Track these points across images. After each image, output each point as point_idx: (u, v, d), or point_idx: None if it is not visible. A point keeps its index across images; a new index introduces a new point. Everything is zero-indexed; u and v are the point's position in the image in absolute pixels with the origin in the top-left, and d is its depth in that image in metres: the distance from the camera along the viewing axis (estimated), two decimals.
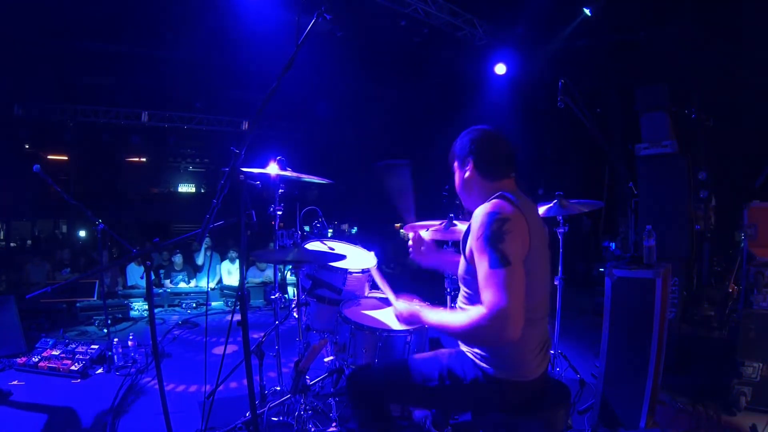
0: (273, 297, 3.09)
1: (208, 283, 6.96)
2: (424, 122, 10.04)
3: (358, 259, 2.88)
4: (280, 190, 3.00)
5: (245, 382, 1.74)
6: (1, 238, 12.40)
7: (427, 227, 2.94)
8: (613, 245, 7.64)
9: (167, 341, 4.93)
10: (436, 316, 1.71)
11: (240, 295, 1.78)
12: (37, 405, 3.26)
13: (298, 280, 2.82)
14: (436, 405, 2.08)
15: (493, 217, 1.54)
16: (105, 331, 4.70)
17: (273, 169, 2.85)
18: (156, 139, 12.15)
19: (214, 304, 6.64)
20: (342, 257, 2.55)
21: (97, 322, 5.39)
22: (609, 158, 6.42)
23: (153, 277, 2.11)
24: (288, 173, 2.89)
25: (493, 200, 1.63)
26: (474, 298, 1.62)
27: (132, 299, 6.20)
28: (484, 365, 1.67)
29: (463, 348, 1.76)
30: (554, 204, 3.14)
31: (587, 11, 6.21)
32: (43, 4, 6.43)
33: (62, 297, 5.54)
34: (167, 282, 6.98)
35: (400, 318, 1.87)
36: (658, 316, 2.66)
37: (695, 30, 5.46)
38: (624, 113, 6.60)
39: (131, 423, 3.02)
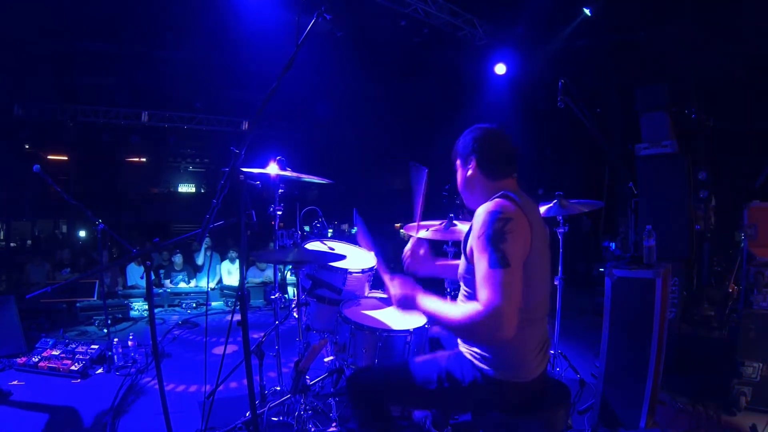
0: (273, 297, 3.09)
1: (208, 283, 6.95)
2: (424, 122, 10.04)
3: (358, 259, 2.88)
4: (280, 190, 3.00)
5: (245, 382, 1.74)
6: (1, 238, 12.38)
7: (427, 227, 2.95)
8: (613, 245, 7.63)
9: (167, 341, 4.93)
10: (432, 304, 1.65)
11: (240, 295, 1.78)
12: (37, 405, 3.25)
13: (298, 280, 2.82)
14: (436, 406, 2.08)
15: (495, 216, 1.54)
16: (105, 331, 4.70)
17: (273, 169, 2.85)
18: (156, 139, 12.12)
19: (214, 304, 6.63)
20: (342, 257, 2.55)
21: (97, 322, 5.39)
22: (609, 158, 6.41)
23: (153, 277, 2.11)
24: (288, 173, 2.89)
25: (496, 199, 1.62)
26: (474, 297, 1.62)
27: (132, 299, 6.19)
28: (483, 366, 1.66)
29: (462, 349, 1.76)
30: (554, 204, 3.14)
31: (587, 11, 6.21)
32: (43, 4, 6.43)
33: (62, 297, 5.53)
34: (167, 282, 6.97)
35: (394, 300, 1.75)
36: (658, 316, 2.66)
37: (695, 30, 5.46)
38: (624, 113, 6.61)
39: (131, 423, 3.02)
